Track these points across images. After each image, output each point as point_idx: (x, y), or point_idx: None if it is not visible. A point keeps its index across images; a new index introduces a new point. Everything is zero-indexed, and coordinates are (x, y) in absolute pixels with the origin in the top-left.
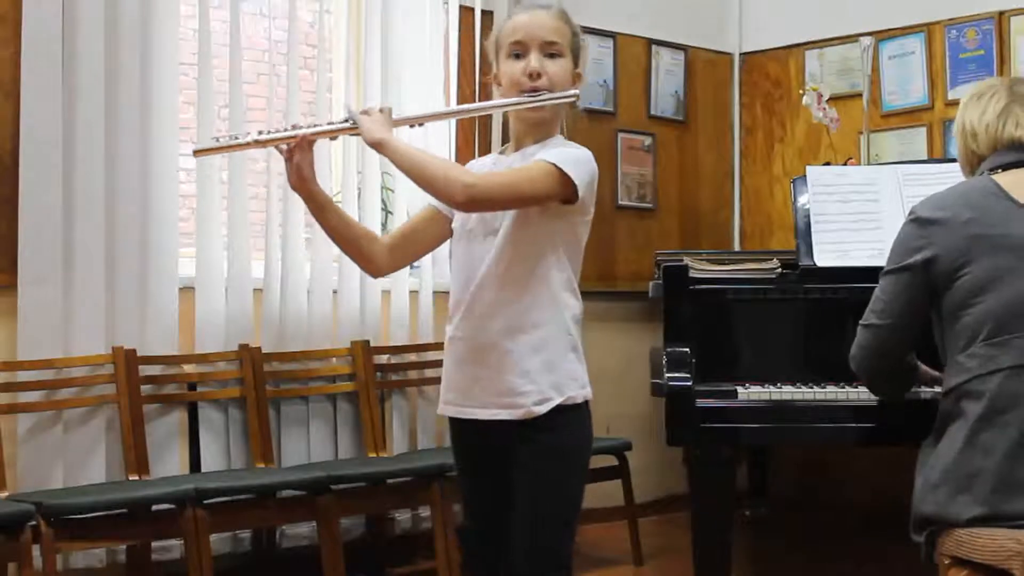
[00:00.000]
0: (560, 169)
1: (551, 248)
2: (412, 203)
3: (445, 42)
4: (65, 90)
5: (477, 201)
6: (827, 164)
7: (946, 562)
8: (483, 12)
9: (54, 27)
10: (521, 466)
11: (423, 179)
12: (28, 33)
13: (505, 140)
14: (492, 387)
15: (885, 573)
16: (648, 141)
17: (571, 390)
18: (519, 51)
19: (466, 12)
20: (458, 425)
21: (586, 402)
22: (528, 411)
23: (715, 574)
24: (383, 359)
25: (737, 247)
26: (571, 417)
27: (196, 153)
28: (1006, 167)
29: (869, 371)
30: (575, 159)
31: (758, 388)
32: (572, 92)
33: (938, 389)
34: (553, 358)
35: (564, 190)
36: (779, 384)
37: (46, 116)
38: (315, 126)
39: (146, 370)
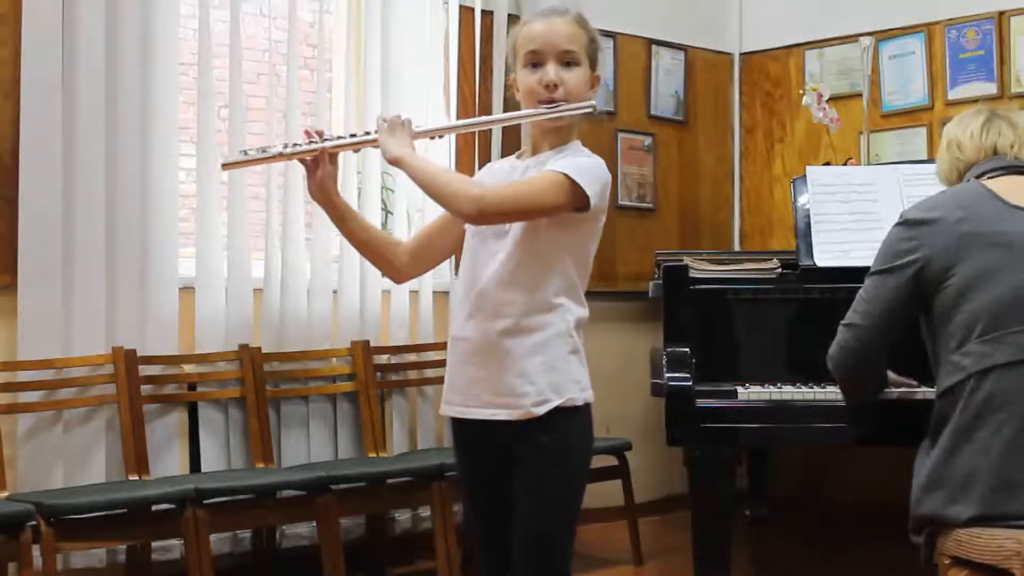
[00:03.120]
0: (571, 179)
1: (558, 254)
2: (412, 203)
3: (445, 42)
4: (65, 90)
5: (486, 214)
6: (827, 164)
7: (946, 562)
8: (483, 12)
9: (54, 27)
10: (521, 467)
11: (434, 193)
12: (28, 33)
13: (506, 148)
14: (492, 387)
15: (885, 573)
16: (648, 141)
17: (571, 392)
18: (536, 60)
19: (466, 12)
20: (459, 425)
21: (587, 405)
22: (527, 412)
23: (715, 574)
24: (383, 359)
25: (737, 247)
26: (571, 420)
27: (224, 166)
28: (993, 174)
29: (846, 371)
30: (586, 168)
31: (758, 388)
32: (588, 103)
33: (925, 390)
34: (553, 360)
35: (575, 199)
36: (779, 384)
37: (46, 116)
38: (339, 138)
39: (146, 370)
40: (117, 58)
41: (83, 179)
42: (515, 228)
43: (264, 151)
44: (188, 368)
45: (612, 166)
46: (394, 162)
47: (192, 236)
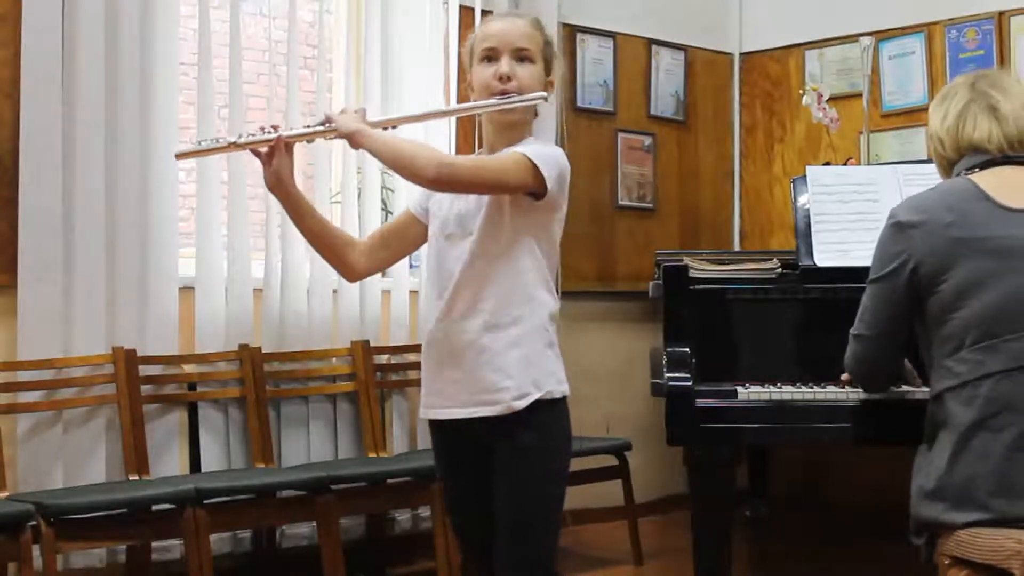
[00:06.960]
0: (531, 161)
1: (525, 246)
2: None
3: (445, 42)
4: (65, 90)
5: (446, 178)
6: (827, 164)
7: (946, 562)
8: (483, 12)
9: (54, 27)
10: (502, 465)
11: (396, 160)
12: (28, 33)
13: None
14: (471, 385)
15: (885, 573)
16: (648, 141)
17: (549, 385)
18: (491, 56)
19: (466, 12)
20: (439, 426)
21: (564, 397)
22: (508, 406)
23: (715, 574)
24: (383, 359)
25: (737, 247)
26: (550, 413)
27: (178, 156)
28: (982, 167)
29: (865, 379)
30: (546, 154)
31: (758, 388)
32: (540, 94)
33: (925, 390)
34: (530, 354)
35: (534, 181)
36: (779, 384)
37: (46, 116)
38: (292, 129)
39: (146, 370)
40: (117, 58)
41: (83, 179)
42: (479, 226)
43: (218, 141)
44: (188, 368)
45: (612, 166)
46: (351, 137)
47: (192, 236)
